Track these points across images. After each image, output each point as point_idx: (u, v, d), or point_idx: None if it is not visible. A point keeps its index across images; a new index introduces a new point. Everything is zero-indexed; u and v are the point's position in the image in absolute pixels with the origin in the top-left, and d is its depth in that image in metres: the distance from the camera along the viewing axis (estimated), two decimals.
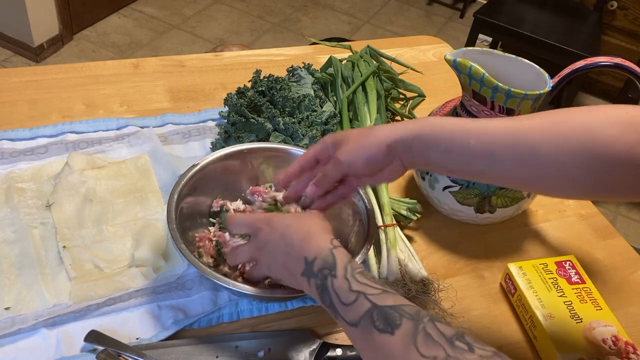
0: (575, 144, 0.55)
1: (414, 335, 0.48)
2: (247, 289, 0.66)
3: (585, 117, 0.57)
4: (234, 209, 0.79)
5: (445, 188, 0.85)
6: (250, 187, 0.82)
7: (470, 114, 0.83)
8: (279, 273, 0.63)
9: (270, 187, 0.82)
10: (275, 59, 1.21)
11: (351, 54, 1.15)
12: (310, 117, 0.93)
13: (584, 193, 0.61)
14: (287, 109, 0.95)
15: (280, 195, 0.74)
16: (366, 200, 0.78)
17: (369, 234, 0.74)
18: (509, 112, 0.79)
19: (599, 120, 0.56)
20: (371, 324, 0.50)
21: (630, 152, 0.54)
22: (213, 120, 1.01)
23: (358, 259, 0.71)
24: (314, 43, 1.31)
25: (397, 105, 1.14)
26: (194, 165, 0.78)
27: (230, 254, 0.70)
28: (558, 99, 2.57)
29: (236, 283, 0.67)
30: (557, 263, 0.83)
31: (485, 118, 0.61)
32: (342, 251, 0.59)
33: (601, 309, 0.77)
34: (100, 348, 0.66)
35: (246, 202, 0.82)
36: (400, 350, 0.48)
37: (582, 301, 0.77)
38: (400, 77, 1.19)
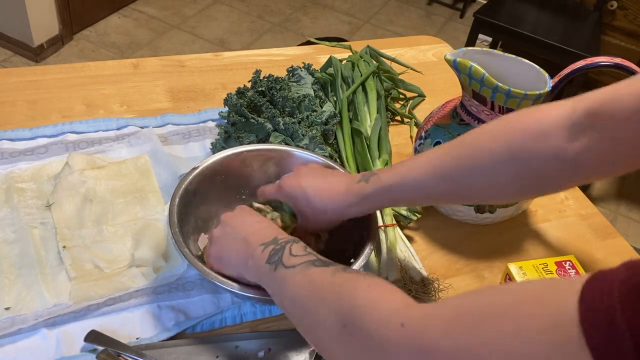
0: (503, 168, 0.60)
1: (344, 268, 0.55)
2: (250, 292, 0.66)
3: (506, 140, 0.61)
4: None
5: None
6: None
7: (470, 114, 0.83)
8: (232, 239, 0.66)
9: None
10: (275, 59, 1.21)
11: (351, 54, 1.15)
12: (310, 117, 0.93)
13: (522, 197, 0.74)
14: (287, 109, 0.95)
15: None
16: None
17: (370, 235, 0.74)
18: (509, 112, 0.78)
19: (517, 138, 0.60)
20: (311, 264, 0.56)
21: (558, 157, 0.57)
22: (213, 120, 1.01)
23: (361, 260, 0.71)
24: (309, 42, 1.31)
25: (397, 105, 1.14)
26: (194, 168, 0.78)
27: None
28: (558, 98, 2.57)
29: (239, 286, 0.66)
30: (557, 263, 0.82)
31: (415, 160, 0.67)
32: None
33: None
34: (100, 348, 0.66)
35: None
36: (329, 274, 0.54)
37: None
38: (400, 77, 1.19)
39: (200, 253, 0.74)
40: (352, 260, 0.72)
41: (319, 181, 0.72)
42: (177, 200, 0.73)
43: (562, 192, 0.80)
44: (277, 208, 0.74)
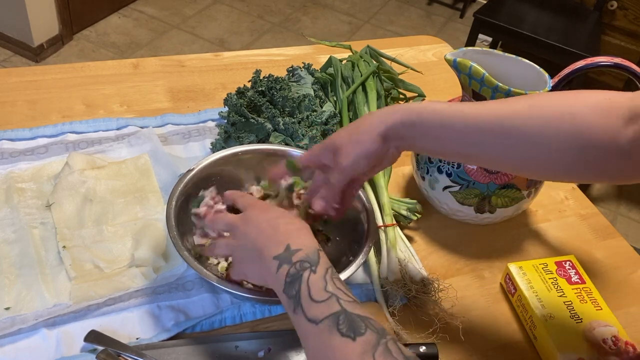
0: (562, 129, 0.57)
1: (374, 346, 0.48)
2: (249, 292, 0.66)
3: (569, 103, 0.58)
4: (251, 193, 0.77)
5: (445, 188, 0.85)
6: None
7: None
8: (246, 252, 0.62)
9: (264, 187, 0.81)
10: (275, 59, 1.21)
11: (351, 54, 1.15)
12: (310, 117, 0.93)
13: (575, 177, 0.63)
14: (287, 109, 0.95)
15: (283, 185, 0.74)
16: (366, 200, 0.78)
17: (369, 234, 0.74)
18: None
19: (581, 106, 0.57)
20: (335, 325, 0.50)
21: (613, 138, 0.55)
22: (213, 120, 1.01)
23: (359, 259, 0.71)
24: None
25: None
26: (190, 170, 0.78)
27: (211, 219, 0.70)
28: None
29: (238, 287, 0.66)
30: (557, 263, 0.83)
31: (472, 102, 0.62)
32: (325, 256, 0.58)
33: (601, 309, 0.77)
34: (100, 348, 0.66)
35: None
36: (357, 356, 0.48)
37: (582, 301, 0.77)
38: (400, 77, 1.19)
39: (197, 250, 0.74)
40: (351, 258, 0.72)
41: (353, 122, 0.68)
42: (173, 202, 0.73)
43: (617, 183, 0.73)
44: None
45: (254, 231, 0.62)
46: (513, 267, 0.81)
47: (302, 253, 0.57)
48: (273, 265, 0.57)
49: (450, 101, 0.91)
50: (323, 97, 1.02)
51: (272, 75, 1.00)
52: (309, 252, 0.57)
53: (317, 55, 1.23)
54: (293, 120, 0.92)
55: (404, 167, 0.99)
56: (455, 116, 0.61)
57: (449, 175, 0.84)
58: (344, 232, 0.80)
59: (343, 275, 0.69)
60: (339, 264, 0.73)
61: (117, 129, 0.95)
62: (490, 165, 0.77)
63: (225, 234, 0.68)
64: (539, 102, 0.59)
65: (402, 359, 0.48)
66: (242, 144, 0.89)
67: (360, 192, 0.78)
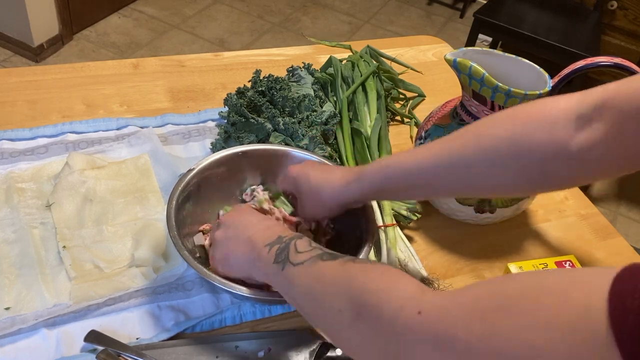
0: (505, 157, 0.59)
1: (352, 259, 0.54)
2: (249, 292, 0.66)
3: (510, 128, 0.59)
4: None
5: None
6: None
7: (470, 114, 0.83)
8: (237, 242, 0.65)
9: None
10: (275, 59, 1.21)
11: (351, 54, 1.15)
12: (310, 117, 0.93)
13: (531, 191, 0.70)
14: (287, 109, 0.95)
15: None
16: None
17: (369, 234, 0.74)
18: None
19: (523, 128, 0.58)
20: (319, 258, 0.55)
21: (563, 146, 0.56)
22: (213, 120, 1.01)
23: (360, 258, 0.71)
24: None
25: (397, 105, 1.14)
26: (190, 170, 0.78)
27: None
28: None
29: (238, 287, 0.67)
30: (557, 263, 0.83)
31: (418, 148, 0.67)
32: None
33: None
34: (100, 348, 0.66)
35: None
36: (338, 264, 0.53)
37: None
38: (400, 77, 1.19)
39: (196, 251, 0.74)
40: None
41: (321, 167, 0.74)
42: (174, 203, 0.73)
43: (563, 190, 0.78)
44: (274, 200, 0.77)
45: (243, 224, 0.66)
46: (513, 267, 0.81)
47: (290, 235, 0.61)
48: (265, 250, 0.61)
49: (450, 101, 0.91)
50: (323, 97, 1.02)
51: (272, 75, 1.00)
52: (297, 234, 0.62)
53: (317, 55, 1.23)
54: (293, 120, 0.92)
55: None
56: (407, 174, 0.65)
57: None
58: (344, 232, 0.80)
59: None
60: None
61: (117, 129, 0.95)
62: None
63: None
64: (484, 131, 0.62)
65: (376, 261, 0.53)
66: (242, 144, 0.89)
67: None
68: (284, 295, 0.59)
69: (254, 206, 0.77)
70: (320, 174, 0.71)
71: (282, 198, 0.77)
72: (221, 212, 0.79)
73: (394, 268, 0.51)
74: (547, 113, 0.57)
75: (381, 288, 0.47)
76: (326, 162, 0.82)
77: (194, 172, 0.78)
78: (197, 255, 0.74)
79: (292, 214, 0.76)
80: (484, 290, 0.42)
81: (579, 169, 0.57)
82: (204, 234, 0.77)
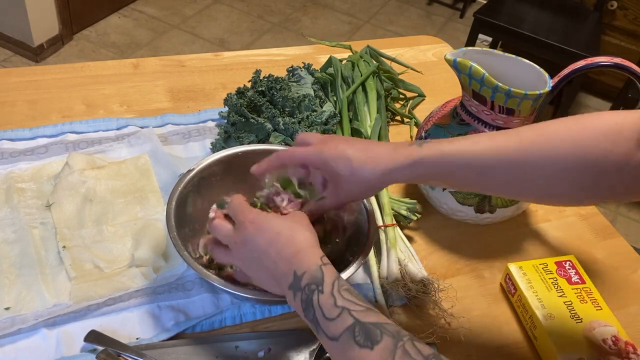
0: (566, 161, 0.58)
1: (392, 351, 0.49)
2: (249, 293, 0.66)
3: (575, 133, 0.58)
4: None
5: (445, 188, 0.85)
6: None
7: (470, 114, 0.83)
8: (263, 279, 0.63)
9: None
10: (275, 59, 1.21)
11: (351, 54, 1.15)
12: (310, 117, 0.93)
13: (578, 202, 0.66)
14: (287, 109, 0.95)
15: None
16: (366, 200, 0.78)
17: (370, 234, 0.74)
18: (509, 112, 0.79)
19: (588, 135, 0.57)
20: (352, 338, 0.51)
21: (625, 159, 0.55)
22: (213, 120, 1.01)
23: (360, 259, 0.71)
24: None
25: (397, 105, 1.14)
26: (189, 170, 0.78)
27: (212, 225, 0.67)
28: (558, 98, 2.57)
29: (238, 287, 0.66)
30: (557, 263, 0.83)
31: (478, 137, 0.63)
32: (330, 268, 0.58)
33: (601, 309, 0.77)
34: (100, 348, 0.66)
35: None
36: None
37: (582, 301, 0.77)
38: (400, 77, 1.19)
39: (199, 256, 0.74)
40: (351, 258, 0.72)
41: (360, 143, 0.66)
42: (173, 203, 0.73)
43: (611, 202, 0.78)
44: (284, 188, 0.69)
45: (260, 247, 0.61)
46: (513, 267, 0.81)
47: (307, 276, 0.57)
48: (290, 294, 0.59)
49: (450, 101, 0.91)
50: (323, 97, 1.02)
51: (272, 75, 1.00)
52: (313, 272, 0.57)
53: (317, 55, 1.23)
54: (293, 120, 0.92)
55: None
56: (460, 160, 0.61)
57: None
58: (344, 231, 0.80)
59: (344, 276, 0.68)
60: (340, 265, 0.73)
61: (117, 129, 0.95)
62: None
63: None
64: (542, 134, 0.60)
65: (421, 358, 0.48)
66: (242, 144, 0.89)
67: None
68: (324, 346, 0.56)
69: (262, 194, 0.70)
70: (361, 153, 0.63)
71: (297, 189, 0.69)
72: (214, 207, 0.72)
73: None
74: (613, 124, 0.57)
75: None
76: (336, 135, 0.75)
77: (194, 172, 0.78)
78: (200, 256, 0.73)
79: (311, 198, 0.69)
80: None
81: (634, 185, 0.57)
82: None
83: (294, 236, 0.61)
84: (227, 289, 0.66)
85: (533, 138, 0.60)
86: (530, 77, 0.80)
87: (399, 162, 0.62)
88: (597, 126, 0.58)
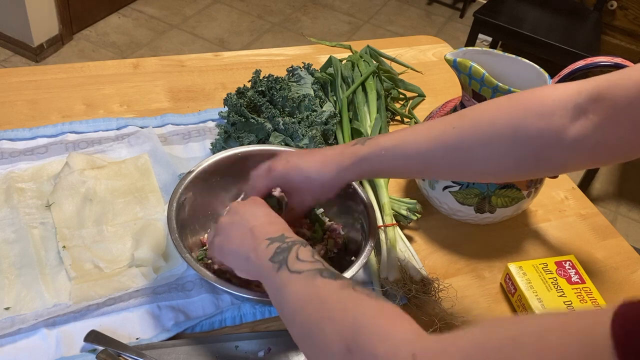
0: (503, 143, 0.60)
1: (353, 285, 0.52)
2: (249, 293, 0.66)
3: (509, 114, 0.60)
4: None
5: (445, 188, 0.85)
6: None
7: None
8: (237, 228, 0.63)
9: None
10: (275, 59, 1.21)
11: (351, 54, 1.15)
12: (310, 117, 0.93)
13: (522, 176, 0.71)
14: (287, 109, 0.95)
15: None
16: (366, 199, 0.78)
17: (370, 234, 0.74)
18: None
19: (522, 115, 0.60)
20: (318, 273, 0.53)
21: (559, 137, 0.58)
22: (213, 120, 1.01)
23: (362, 258, 0.71)
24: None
25: (397, 105, 1.14)
26: (190, 172, 0.78)
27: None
28: None
29: (238, 288, 0.67)
30: (557, 263, 0.83)
31: (416, 128, 0.66)
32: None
33: None
34: (100, 348, 0.66)
35: None
36: (337, 287, 0.51)
37: (582, 301, 0.77)
38: (400, 77, 1.19)
39: (200, 258, 0.74)
40: (353, 258, 0.72)
41: (309, 154, 0.71)
42: (174, 205, 0.73)
43: (555, 174, 0.81)
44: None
45: (250, 214, 0.64)
46: (513, 267, 0.81)
47: (294, 239, 0.59)
48: (264, 243, 0.59)
49: (450, 101, 0.91)
50: (323, 97, 1.02)
51: (272, 75, 1.00)
52: (301, 241, 0.59)
53: (317, 55, 1.23)
54: (293, 120, 0.92)
55: None
56: (404, 153, 0.65)
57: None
58: (344, 231, 0.80)
59: (346, 275, 0.68)
60: (341, 266, 0.73)
61: (117, 129, 0.95)
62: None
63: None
64: (482, 116, 0.62)
65: (377, 295, 0.51)
66: (242, 144, 0.89)
67: (361, 191, 0.78)
68: (272, 299, 0.57)
69: None
70: (311, 161, 0.69)
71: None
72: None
73: (393, 306, 0.49)
74: (545, 102, 0.59)
75: (377, 327, 0.46)
76: (292, 149, 0.80)
77: (194, 174, 0.78)
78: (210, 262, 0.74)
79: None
80: (482, 332, 0.40)
81: (573, 157, 0.59)
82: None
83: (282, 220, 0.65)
84: (227, 290, 0.66)
85: (468, 122, 0.62)
86: (530, 77, 0.80)
87: (345, 163, 0.67)
88: (530, 106, 0.59)
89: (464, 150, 0.62)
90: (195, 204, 0.77)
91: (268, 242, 0.59)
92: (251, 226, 0.62)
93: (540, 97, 0.60)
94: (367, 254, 0.72)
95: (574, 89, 0.58)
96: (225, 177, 0.81)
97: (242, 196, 0.75)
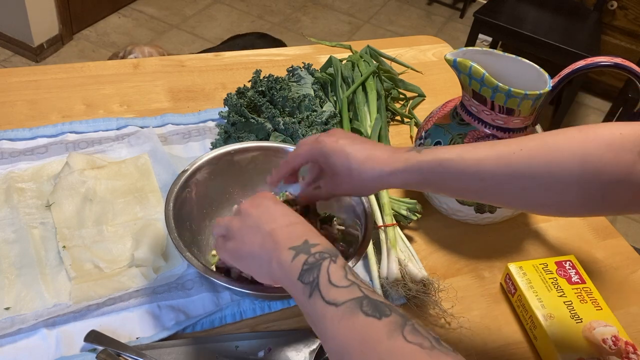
0: (571, 172, 0.57)
1: (402, 325, 0.46)
2: (249, 288, 0.66)
3: (579, 143, 0.58)
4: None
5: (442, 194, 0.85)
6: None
7: (470, 114, 0.83)
8: (251, 233, 0.59)
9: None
10: (275, 59, 1.21)
11: (351, 54, 1.15)
12: (310, 117, 0.93)
13: (582, 213, 0.63)
14: (287, 109, 0.95)
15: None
16: (365, 200, 0.78)
17: (367, 232, 0.74)
18: (509, 112, 0.79)
19: (593, 145, 0.57)
20: (358, 307, 0.48)
21: (628, 172, 0.55)
22: (213, 120, 1.01)
23: (355, 259, 0.71)
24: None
25: (397, 105, 1.14)
26: (184, 171, 0.78)
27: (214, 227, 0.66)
28: (558, 98, 2.57)
29: (238, 283, 0.67)
30: (557, 263, 0.83)
31: (477, 144, 0.62)
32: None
33: (601, 309, 0.77)
34: (100, 348, 0.66)
35: None
36: (385, 334, 0.46)
37: (582, 301, 0.77)
38: (400, 77, 1.19)
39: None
40: (351, 250, 0.73)
41: (360, 143, 0.65)
42: (171, 204, 0.73)
43: (619, 215, 0.77)
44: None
45: (265, 215, 0.59)
46: (513, 267, 0.81)
47: (321, 247, 0.55)
48: (288, 255, 0.54)
49: (450, 101, 0.91)
50: (323, 97, 1.02)
51: (272, 75, 1.00)
52: (328, 247, 0.55)
53: (317, 55, 1.23)
54: (293, 120, 0.92)
55: None
56: (462, 169, 0.60)
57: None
58: (344, 228, 0.80)
59: None
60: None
61: (117, 129, 0.95)
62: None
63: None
64: (546, 143, 0.59)
65: (431, 336, 0.46)
66: None
67: None
68: (312, 326, 0.52)
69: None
70: (359, 152, 0.64)
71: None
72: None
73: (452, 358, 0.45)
74: (617, 135, 0.57)
75: None
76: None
77: (188, 172, 0.78)
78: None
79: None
80: None
81: (638, 196, 0.56)
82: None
83: (306, 221, 0.60)
84: (227, 285, 0.66)
85: (536, 146, 0.59)
86: (530, 77, 0.80)
87: (396, 166, 0.62)
88: (600, 137, 0.57)
89: (530, 176, 0.58)
90: (191, 203, 0.77)
91: (292, 252, 0.54)
92: (270, 230, 0.57)
93: (610, 130, 0.58)
94: (361, 253, 0.72)
95: None
96: (218, 175, 0.81)
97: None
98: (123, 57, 1.72)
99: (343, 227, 0.79)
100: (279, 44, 1.95)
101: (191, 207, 0.77)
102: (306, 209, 0.74)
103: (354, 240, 0.76)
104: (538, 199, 0.60)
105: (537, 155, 0.58)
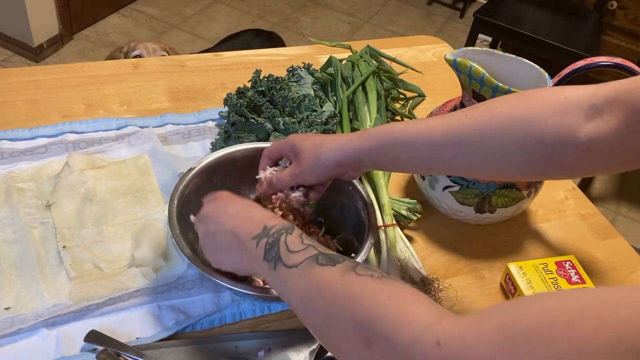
0: (516, 135, 0.59)
1: (353, 266, 0.50)
2: (250, 289, 0.66)
3: (525, 108, 0.59)
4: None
5: (445, 188, 0.85)
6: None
7: None
8: (221, 237, 0.62)
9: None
10: (275, 59, 1.21)
11: (351, 54, 1.15)
12: (310, 117, 0.93)
13: (528, 176, 0.68)
14: (287, 109, 0.95)
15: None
16: (366, 197, 0.78)
17: (370, 232, 0.74)
18: None
19: (537, 109, 0.59)
20: (314, 261, 0.52)
21: (572, 135, 0.56)
22: (213, 120, 1.01)
23: (361, 255, 0.71)
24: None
25: (397, 105, 1.14)
26: (191, 169, 0.78)
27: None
28: None
29: (239, 284, 0.67)
30: (557, 263, 0.83)
31: (429, 118, 0.66)
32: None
33: None
34: (100, 348, 0.66)
35: None
36: (338, 275, 0.49)
37: None
38: (400, 77, 1.19)
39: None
40: (352, 255, 0.72)
41: (323, 134, 0.73)
42: (175, 202, 0.73)
43: (567, 178, 0.77)
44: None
45: (224, 215, 0.63)
46: (513, 267, 0.81)
47: (278, 227, 0.58)
48: (252, 244, 0.58)
49: (450, 101, 0.91)
50: (323, 97, 1.02)
51: (272, 75, 1.00)
52: (285, 225, 0.58)
53: (317, 55, 1.23)
54: (293, 120, 0.92)
55: None
56: (411, 137, 0.64)
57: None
58: (345, 229, 0.80)
59: None
60: None
61: (117, 129, 0.95)
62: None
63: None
64: (498, 109, 0.61)
65: (379, 273, 0.48)
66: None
67: (361, 189, 0.78)
68: (280, 295, 0.56)
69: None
70: (323, 137, 0.70)
71: None
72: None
73: (401, 283, 0.47)
74: (562, 99, 0.58)
75: (392, 315, 0.43)
76: None
77: (195, 170, 0.78)
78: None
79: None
80: (508, 315, 0.38)
81: (586, 159, 0.57)
82: None
83: (263, 208, 0.65)
84: (227, 285, 0.66)
85: (482, 112, 0.62)
86: (530, 77, 0.80)
87: (353, 137, 0.68)
88: (545, 100, 0.59)
89: (475, 138, 0.60)
90: (196, 201, 0.77)
91: (255, 241, 0.57)
92: (231, 229, 0.60)
93: (555, 94, 0.59)
94: (366, 250, 0.71)
95: (590, 90, 0.57)
96: (226, 174, 0.81)
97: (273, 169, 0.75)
98: (127, 53, 1.72)
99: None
100: (275, 38, 1.95)
101: (196, 205, 0.77)
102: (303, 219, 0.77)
103: (355, 243, 0.77)
104: (486, 163, 0.62)
105: (482, 120, 0.61)
